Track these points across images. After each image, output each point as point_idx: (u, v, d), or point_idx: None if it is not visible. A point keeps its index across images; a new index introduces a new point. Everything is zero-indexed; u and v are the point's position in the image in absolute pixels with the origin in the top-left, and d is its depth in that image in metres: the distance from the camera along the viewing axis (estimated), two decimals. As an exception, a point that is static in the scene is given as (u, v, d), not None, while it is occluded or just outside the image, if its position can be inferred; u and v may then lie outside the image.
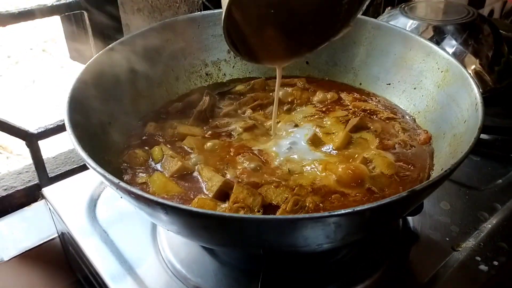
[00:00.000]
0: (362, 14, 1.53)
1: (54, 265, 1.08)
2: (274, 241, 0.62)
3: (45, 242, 1.04)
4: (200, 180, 0.83)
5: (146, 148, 0.91)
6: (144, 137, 0.94)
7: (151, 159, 0.88)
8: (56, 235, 1.04)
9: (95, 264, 0.85)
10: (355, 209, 0.56)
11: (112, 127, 0.88)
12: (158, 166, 0.86)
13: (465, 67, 0.86)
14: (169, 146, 0.91)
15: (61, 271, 1.09)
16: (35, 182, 1.14)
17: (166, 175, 0.84)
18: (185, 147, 0.91)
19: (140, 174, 0.85)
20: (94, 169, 0.64)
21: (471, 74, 0.84)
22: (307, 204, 0.76)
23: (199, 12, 1.11)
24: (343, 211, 0.55)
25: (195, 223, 0.61)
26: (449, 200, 0.96)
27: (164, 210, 0.59)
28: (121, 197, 0.66)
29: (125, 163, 0.87)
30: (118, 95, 0.92)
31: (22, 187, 1.14)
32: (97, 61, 0.89)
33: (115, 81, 0.92)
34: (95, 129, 0.83)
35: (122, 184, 0.61)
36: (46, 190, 1.02)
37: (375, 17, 1.51)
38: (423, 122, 0.95)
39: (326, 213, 0.56)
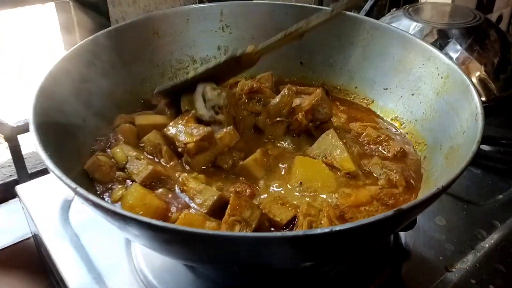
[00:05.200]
0: (365, 15, 1.49)
1: (28, 266, 1.03)
2: (243, 258, 0.56)
3: (20, 241, 0.99)
4: (180, 189, 0.76)
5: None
6: (111, 134, 0.85)
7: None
8: (31, 235, 0.99)
9: (62, 270, 0.79)
10: (333, 229, 0.50)
11: (86, 126, 0.82)
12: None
13: (468, 73, 0.80)
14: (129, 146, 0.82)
15: (35, 273, 1.04)
16: (15, 178, 1.09)
17: (137, 182, 0.76)
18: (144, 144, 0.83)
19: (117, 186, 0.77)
20: (52, 171, 0.58)
21: (473, 82, 0.77)
22: (322, 223, 0.68)
23: (189, 5, 1.05)
24: (319, 231, 0.49)
25: (157, 237, 0.55)
26: (445, 215, 0.90)
27: (124, 221, 0.53)
28: (82, 203, 0.60)
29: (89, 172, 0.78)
30: (95, 91, 0.86)
31: (0, 182, 1.09)
32: (75, 54, 0.84)
33: (93, 75, 0.86)
34: (68, 129, 0.77)
35: (80, 189, 0.55)
36: (20, 188, 0.96)
37: (378, 19, 1.46)
38: (420, 130, 0.89)
39: (301, 232, 0.50)
